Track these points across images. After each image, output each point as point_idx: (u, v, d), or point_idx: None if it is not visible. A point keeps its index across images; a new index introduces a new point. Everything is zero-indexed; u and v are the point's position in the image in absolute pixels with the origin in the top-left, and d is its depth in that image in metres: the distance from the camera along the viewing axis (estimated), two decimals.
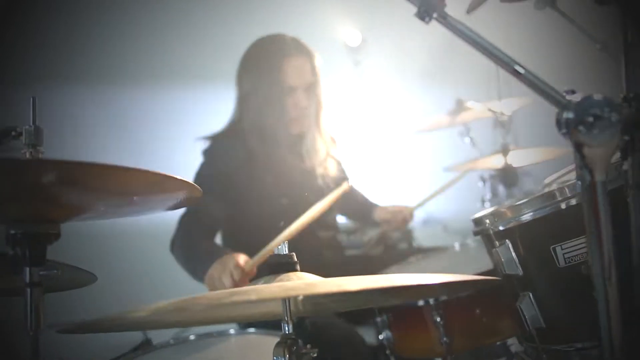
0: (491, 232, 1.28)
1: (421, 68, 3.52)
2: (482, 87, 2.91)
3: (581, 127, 0.75)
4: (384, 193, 2.81)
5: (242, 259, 1.66)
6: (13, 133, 0.99)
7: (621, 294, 0.85)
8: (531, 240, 1.23)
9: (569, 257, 1.17)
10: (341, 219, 2.43)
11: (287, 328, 1.06)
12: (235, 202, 1.95)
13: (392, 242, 2.67)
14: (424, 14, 0.74)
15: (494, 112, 2.24)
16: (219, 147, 2.02)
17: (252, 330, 1.69)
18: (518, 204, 1.26)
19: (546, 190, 1.26)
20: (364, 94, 3.69)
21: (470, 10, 2.11)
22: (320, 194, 2.05)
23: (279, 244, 1.18)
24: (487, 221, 1.29)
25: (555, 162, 2.12)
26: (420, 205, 2.14)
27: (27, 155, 0.98)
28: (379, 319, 1.73)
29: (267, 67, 1.96)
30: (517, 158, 2.17)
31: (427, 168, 3.02)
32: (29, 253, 0.95)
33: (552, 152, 2.19)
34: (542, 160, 2.15)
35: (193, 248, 1.84)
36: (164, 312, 0.82)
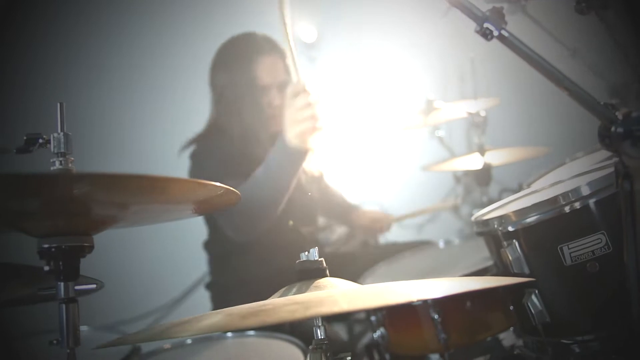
0: (499, 233, 1.34)
1: (383, 65, 3.56)
2: (453, 87, 3.02)
3: (628, 141, 0.81)
4: (360, 192, 2.84)
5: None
6: (40, 140, 0.95)
7: None
8: (538, 241, 1.30)
9: (575, 256, 1.25)
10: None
11: (319, 333, 1.07)
12: None
13: (361, 240, 2.71)
14: (486, 32, 0.77)
15: (469, 113, 2.32)
16: (204, 148, 1.99)
17: (251, 332, 1.69)
18: (524, 208, 1.32)
19: (546, 193, 1.34)
20: (321, 91, 3.70)
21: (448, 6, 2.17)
22: (302, 190, 2.07)
23: None
24: (495, 223, 1.35)
25: (528, 162, 2.23)
26: (399, 220, 2.20)
27: (57, 165, 0.94)
28: (373, 317, 1.76)
29: (240, 66, 1.94)
30: (493, 158, 2.26)
31: (404, 167, 3.09)
32: (62, 267, 0.92)
33: (524, 151, 2.30)
34: (517, 159, 2.25)
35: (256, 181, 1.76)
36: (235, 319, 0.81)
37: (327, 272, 1.09)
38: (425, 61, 3.31)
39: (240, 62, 1.95)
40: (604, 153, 1.54)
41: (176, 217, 1.07)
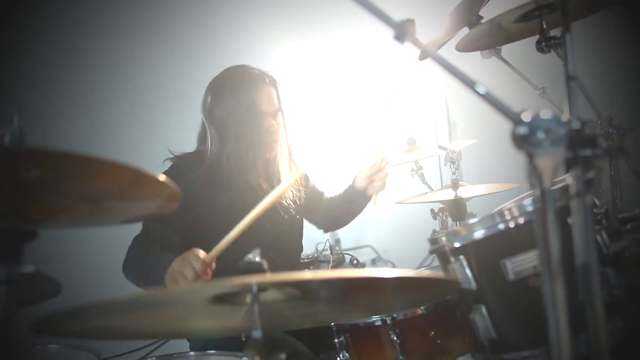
0: (447, 249, 1.39)
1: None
2: (431, 129, 3.11)
3: (533, 141, 0.87)
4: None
5: (201, 252, 1.70)
6: None
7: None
8: (483, 256, 1.34)
9: (518, 271, 1.29)
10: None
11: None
12: (192, 231, 1.97)
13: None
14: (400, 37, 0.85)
15: (444, 148, 2.39)
16: (176, 173, 2.02)
17: (212, 352, 1.69)
18: (471, 223, 1.38)
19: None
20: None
21: (422, 57, 2.29)
22: (290, 214, 2.11)
23: (238, 234, 1.33)
24: (444, 239, 1.40)
25: (501, 195, 2.28)
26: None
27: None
28: (337, 340, 1.78)
29: (241, 94, 2.02)
30: (465, 192, 2.31)
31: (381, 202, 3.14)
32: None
33: (497, 187, 2.36)
34: (487, 193, 2.31)
35: (148, 255, 1.85)
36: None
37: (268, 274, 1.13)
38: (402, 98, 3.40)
39: (236, 90, 2.03)
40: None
41: (120, 217, 1.09)
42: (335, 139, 3.34)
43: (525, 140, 0.88)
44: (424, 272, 1.08)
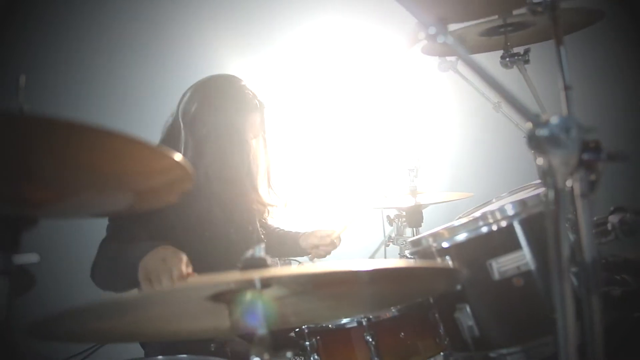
0: (433, 249, 1.42)
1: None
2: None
3: (552, 142, 0.92)
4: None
5: (185, 258, 1.60)
6: None
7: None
8: (469, 256, 1.39)
9: (503, 271, 1.34)
10: None
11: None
12: (165, 230, 1.89)
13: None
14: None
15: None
16: None
17: (183, 356, 1.64)
18: (455, 226, 1.42)
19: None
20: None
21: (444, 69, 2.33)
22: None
23: None
24: (430, 239, 1.43)
25: (456, 205, 2.37)
26: (343, 230, 2.20)
27: None
28: (307, 343, 1.76)
29: (229, 117, 1.94)
30: (424, 199, 2.38)
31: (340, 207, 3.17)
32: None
33: (452, 195, 2.45)
34: (445, 200, 2.39)
35: (119, 251, 1.72)
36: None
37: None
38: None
39: (227, 109, 1.95)
40: (526, 193, 1.69)
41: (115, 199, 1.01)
42: (315, 164, 3.33)
43: (543, 142, 0.93)
44: (436, 262, 1.10)
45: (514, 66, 1.98)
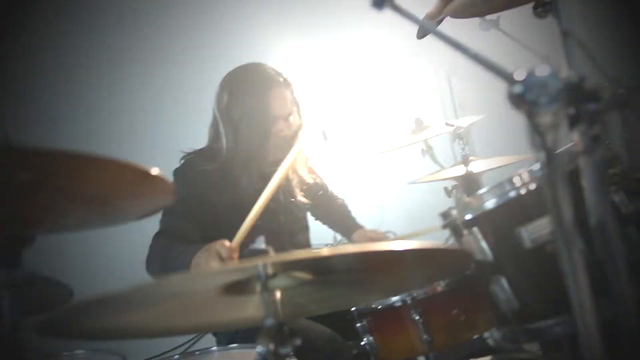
0: (459, 221, 1.36)
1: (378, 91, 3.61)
2: (437, 108, 3.07)
3: (529, 98, 0.85)
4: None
5: (225, 241, 1.69)
6: None
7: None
8: (497, 225, 1.32)
9: (534, 238, 1.26)
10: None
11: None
12: (210, 224, 1.97)
13: None
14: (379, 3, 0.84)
15: (451, 125, 2.36)
16: (190, 168, 2.04)
17: (234, 345, 1.70)
18: (481, 193, 1.35)
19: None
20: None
21: (420, 36, 2.25)
22: (295, 219, 2.13)
23: (257, 216, 1.44)
24: (454, 212, 1.38)
25: (514, 168, 2.24)
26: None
27: None
28: (359, 325, 1.76)
29: (255, 96, 2.00)
30: (477, 167, 2.28)
31: (393, 184, 3.12)
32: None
33: (508, 159, 2.32)
34: (499, 165, 2.28)
35: (171, 250, 1.84)
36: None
37: None
38: (407, 79, 3.38)
39: (253, 90, 2.02)
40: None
41: (120, 218, 1.07)
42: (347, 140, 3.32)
43: (521, 99, 0.86)
44: (438, 243, 1.07)
45: (549, 15, 1.83)
